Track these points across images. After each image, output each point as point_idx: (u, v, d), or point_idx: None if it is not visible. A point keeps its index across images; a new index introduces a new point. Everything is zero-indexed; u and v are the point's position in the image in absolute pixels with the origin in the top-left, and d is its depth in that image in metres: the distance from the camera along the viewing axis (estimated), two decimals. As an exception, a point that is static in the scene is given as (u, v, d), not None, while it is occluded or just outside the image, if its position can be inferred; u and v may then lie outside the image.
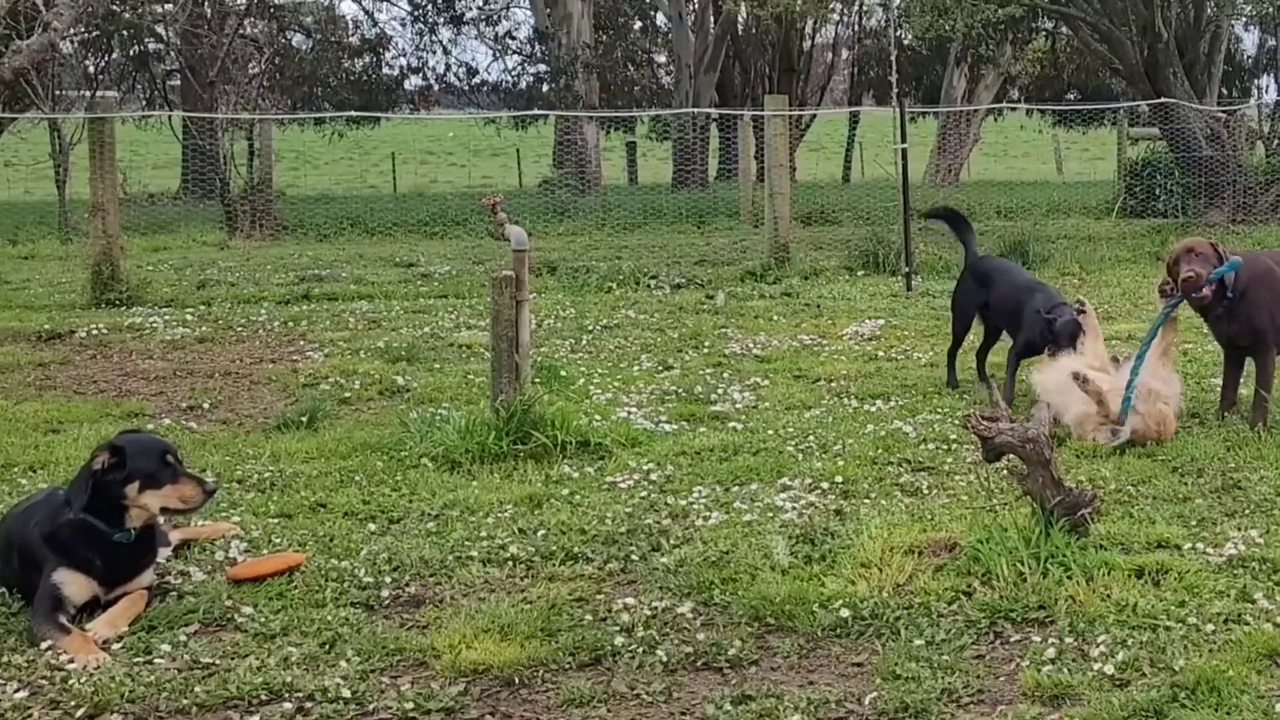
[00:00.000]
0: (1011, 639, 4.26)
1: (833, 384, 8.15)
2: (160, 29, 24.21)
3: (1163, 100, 18.43)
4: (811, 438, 6.79)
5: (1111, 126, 27.61)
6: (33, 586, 4.50)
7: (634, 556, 5.03)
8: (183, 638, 4.34)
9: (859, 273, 13.73)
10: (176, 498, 4.59)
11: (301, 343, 9.89)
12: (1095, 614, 4.32)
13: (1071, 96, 35.87)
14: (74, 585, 4.48)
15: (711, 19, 31.31)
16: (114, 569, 4.57)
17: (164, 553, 4.94)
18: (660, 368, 8.80)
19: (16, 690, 3.99)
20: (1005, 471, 5.75)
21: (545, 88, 30.10)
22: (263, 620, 4.45)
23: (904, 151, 14.28)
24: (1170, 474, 6.03)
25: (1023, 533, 4.71)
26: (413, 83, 32.60)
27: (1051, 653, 4.09)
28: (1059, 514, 4.73)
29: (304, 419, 7.18)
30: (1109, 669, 3.96)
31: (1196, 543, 4.99)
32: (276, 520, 5.52)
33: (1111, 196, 21.55)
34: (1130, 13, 18.09)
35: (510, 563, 4.99)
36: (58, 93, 21.19)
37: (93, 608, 4.52)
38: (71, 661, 4.13)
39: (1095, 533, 4.89)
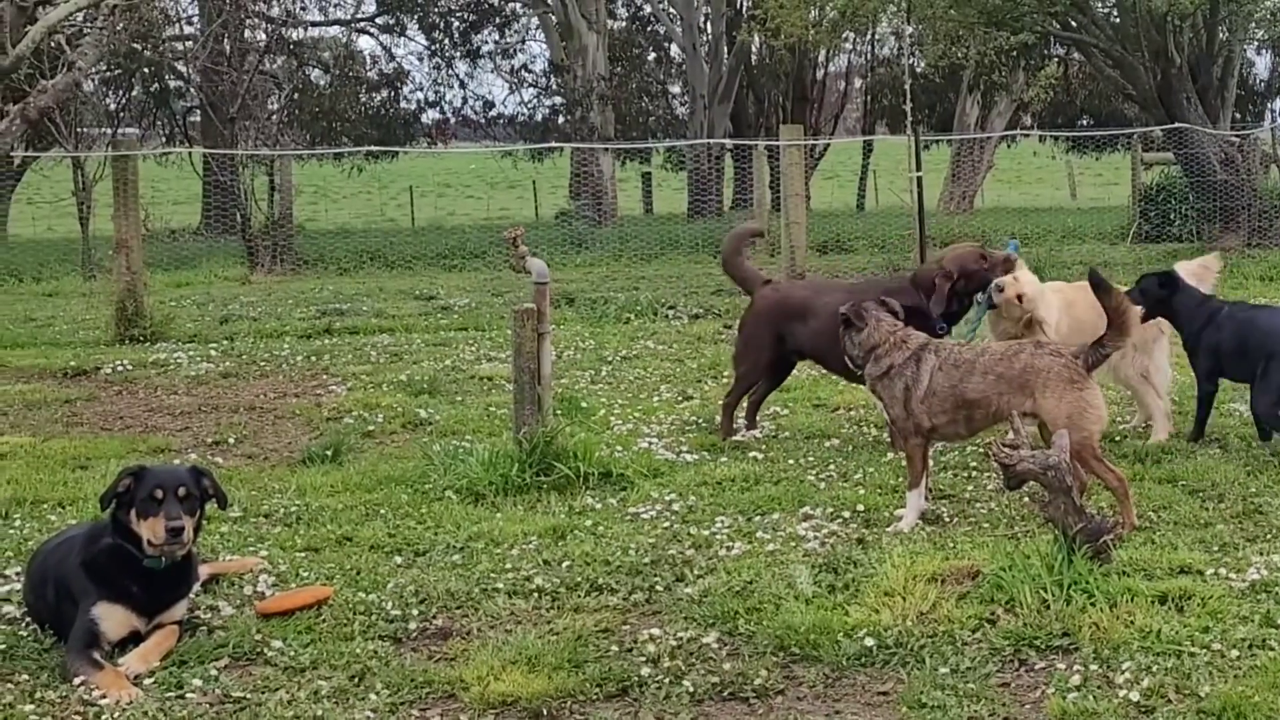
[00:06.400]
0: (1036, 666, 4.28)
1: (852, 412, 8.17)
2: (181, 66, 24.44)
3: (1176, 125, 18.46)
4: (832, 466, 6.82)
5: (1125, 152, 27.59)
6: (66, 621, 4.54)
7: (658, 587, 5.06)
8: (214, 672, 4.38)
9: (876, 301, 13.73)
10: (150, 532, 4.61)
11: (324, 377, 9.95)
12: (1119, 641, 4.33)
13: (1084, 122, 35.85)
14: (111, 620, 4.52)
15: (725, 50, 31.44)
16: (152, 597, 4.61)
17: (193, 587, 4.99)
18: (680, 398, 8.84)
19: (51, 725, 4.04)
20: (1026, 499, 5.78)
21: (561, 120, 30.28)
22: (292, 654, 4.49)
23: (919, 179, 14.34)
24: (1190, 499, 6.05)
25: (1045, 560, 4.73)
26: (430, 116, 32.86)
27: (1076, 680, 4.10)
28: (1081, 541, 4.75)
29: (329, 453, 7.24)
30: (1134, 696, 3.98)
31: (1219, 568, 5.01)
32: (303, 554, 5.57)
33: (1126, 221, 21.54)
34: (1143, 38, 18.15)
35: (536, 594, 5.02)
36: (80, 130, 21.38)
37: (132, 640, 4.56)
38: (104, 697, 4.17)
39: (1117, 559, 4.91)
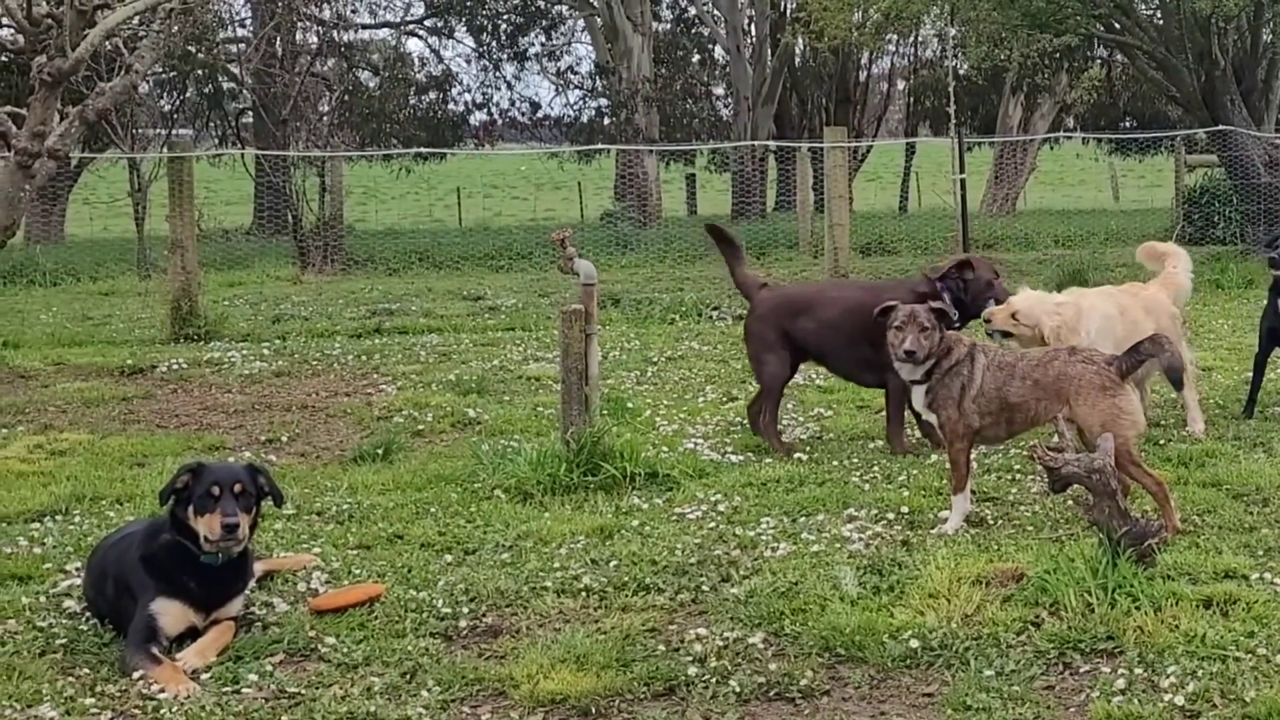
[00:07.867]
0: (1081, 670, 4.30)
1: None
2: (234, 68, 24.71)
3: (1220, 127, 18.32)
4: (876, 468, 6.86)
5: (1168, 154, 27.37)
6: (125, 616, 4.63)
7: (705, 587, 5.11)
8: (269, 668, 4.46)
9: (919, 302, 13.71)
10: (207, 528, 4.68)
11: (375, 376, 10.05)
12: (1164, 645, 4.35)
13: (1127, 124, 35.58)
14: (170, 616, 4.60)
15: (769, 52, 31.44)
16: (209, 593, 4.70)
17: (249, 583, 5.06)
18: (725, 399, 8.88)
19: (110, 719, 4.14)
20: (1071, 502, 5.79)
21: (606, 121, 30.38)
22: (345, 650, 4.56)
23: (962, 181, 14.33)
24: (1235, 503, 6.05)
25: (1090, 563, 4.75)
26: (477, 118, 33.04)
27: (1121, 683, 4.12)
28: (1126, 544, 4.76)
29: (379, 451, 7.33)
30: (1179, 700, 3.99)
31: (1264, 572, 5.00)
32: (355, 552, 5.65)
33: (1169, 224, 21.38)
34: (1187, 40, 18.00)
35: (584, 593, 5.08)
36: (135, 131, 21.64)
37: (190, 635, 4.64)
38: (162, 691, 4.24)
39: (1162, 563, 4.92)
